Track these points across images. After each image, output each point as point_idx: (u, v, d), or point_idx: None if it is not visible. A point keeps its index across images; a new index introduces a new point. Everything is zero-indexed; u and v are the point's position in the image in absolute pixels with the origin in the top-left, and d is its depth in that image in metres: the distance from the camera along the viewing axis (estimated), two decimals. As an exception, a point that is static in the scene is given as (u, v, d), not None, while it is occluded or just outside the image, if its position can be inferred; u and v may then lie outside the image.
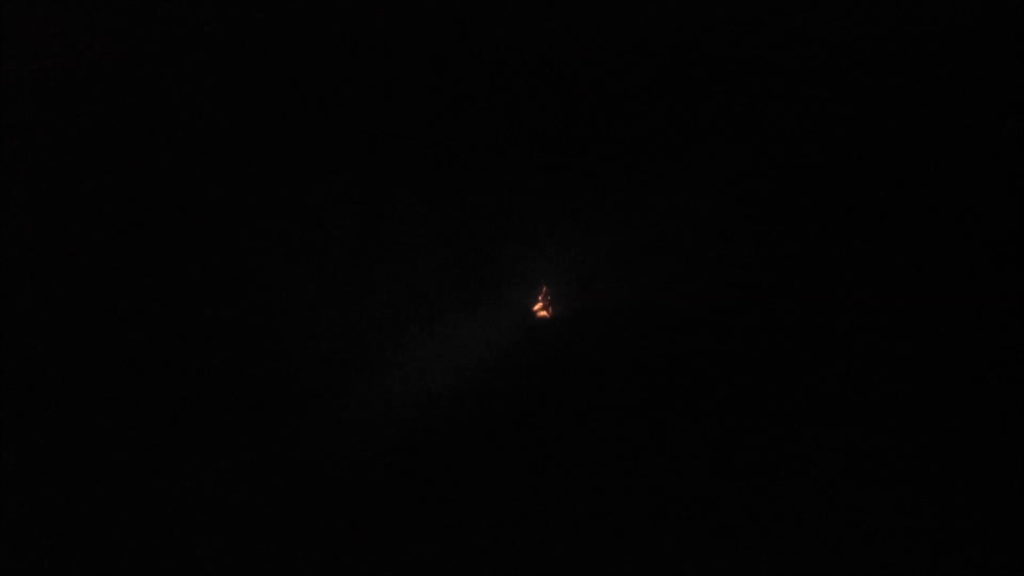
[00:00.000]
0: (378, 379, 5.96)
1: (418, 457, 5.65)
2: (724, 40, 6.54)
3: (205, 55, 6.72)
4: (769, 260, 6.19)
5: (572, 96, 6.52)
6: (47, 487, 5.53)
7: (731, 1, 6.58)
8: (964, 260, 6.02)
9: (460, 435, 5.75)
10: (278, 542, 5.35)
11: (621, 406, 5.80)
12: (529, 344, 6.05)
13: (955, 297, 5.94)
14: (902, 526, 5.33)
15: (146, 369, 5.96)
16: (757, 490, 5.49)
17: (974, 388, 5.69)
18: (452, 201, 6.38)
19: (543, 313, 6.13)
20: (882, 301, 5.98)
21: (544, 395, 5.88)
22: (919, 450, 5.54)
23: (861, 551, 5.29)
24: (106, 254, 6.32)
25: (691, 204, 6.28)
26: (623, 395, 5.84)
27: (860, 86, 6.42)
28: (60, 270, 6.25)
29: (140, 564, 5.31)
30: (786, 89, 6.46)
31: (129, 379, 5.93)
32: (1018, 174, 6.15)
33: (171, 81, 6.64)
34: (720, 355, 5.94)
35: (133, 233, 6.37)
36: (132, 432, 5.75)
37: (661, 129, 6.46)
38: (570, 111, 6.50)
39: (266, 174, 6.45)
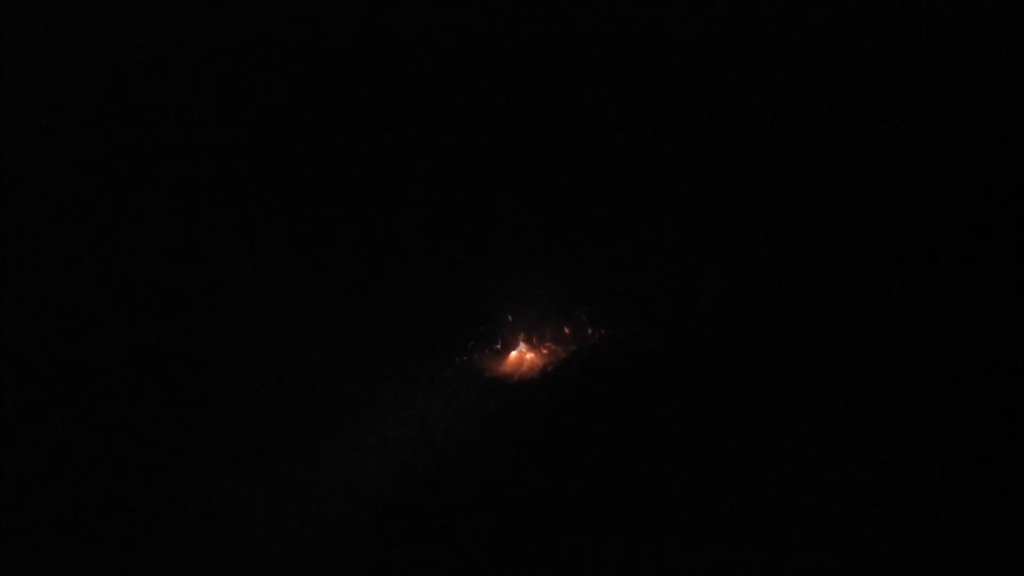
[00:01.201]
0: (374, 410, 6.02)
1: (413, 492, 5.76)
2: (722, 48, 6.55)
3: (203, 67, 6.68)
4: (769, 260, 6.22)
5: (562, 117, 6.54)
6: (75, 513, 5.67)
7: (729, 8, 6.59)
8: (964, 260, 6.05)
9: (458, 466, 5.86)
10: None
11: (625, 417, 5.88)
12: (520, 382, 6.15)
13: (954, 297, 5.97)
14: (902, 525, 5.39)
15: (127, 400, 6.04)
16: (757, 489, 5.55)
17: (974, 388, 5.73)
18: (445, 227, 6.41)
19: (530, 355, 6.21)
20: (882, 301, 6.01)
21: (545, 411, 5.98)
22: (919, 450, 5.59)
23: (861, 551, 5.35)
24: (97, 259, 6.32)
25: (691, 208, 6.31)
26: (628, 406, 5.92)
27: (859, 89, 6.43)
28: (64, 275, 6.24)
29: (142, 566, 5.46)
30: (785, 91, 6.47)
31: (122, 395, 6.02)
32: (1018, 174, 6.19)
33: (172, 86, 6.60)
34: (720, 355, 5.99)
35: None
36: (133, 435, 5.86)
37: (660, 138, 6.48)
38: (560, 133, 6.53)
39: (263, 196, 6.45)
